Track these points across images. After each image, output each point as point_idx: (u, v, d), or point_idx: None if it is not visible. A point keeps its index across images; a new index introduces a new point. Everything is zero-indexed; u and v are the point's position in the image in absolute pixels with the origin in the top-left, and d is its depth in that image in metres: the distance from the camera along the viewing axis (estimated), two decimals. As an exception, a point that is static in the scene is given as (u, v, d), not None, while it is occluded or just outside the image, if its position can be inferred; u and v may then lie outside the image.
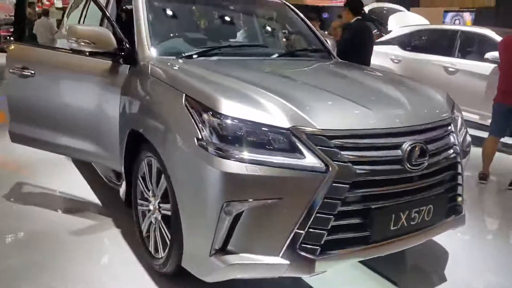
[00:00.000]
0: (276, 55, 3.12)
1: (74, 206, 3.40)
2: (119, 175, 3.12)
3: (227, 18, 3.41)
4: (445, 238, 2.86)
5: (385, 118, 2.10)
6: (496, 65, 5.21)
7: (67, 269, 2.52)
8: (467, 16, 13.49)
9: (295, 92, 2.15)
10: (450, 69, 5.73)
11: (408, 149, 2.03)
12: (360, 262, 2.52)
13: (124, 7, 3.70)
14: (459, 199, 2.37)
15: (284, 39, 3.43)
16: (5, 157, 4.48)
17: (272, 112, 1.95)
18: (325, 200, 1.88)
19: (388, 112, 2.16)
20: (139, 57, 2.72)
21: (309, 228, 1.89)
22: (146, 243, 2.59)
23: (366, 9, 7.75)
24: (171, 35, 3.03)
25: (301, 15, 3.57)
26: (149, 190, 2.53)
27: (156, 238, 2.44)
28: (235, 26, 3.41)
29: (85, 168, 4.02)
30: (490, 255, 2.96)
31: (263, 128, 1.92)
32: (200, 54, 2.82)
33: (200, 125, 1.98)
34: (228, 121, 1.93)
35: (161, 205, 2.39)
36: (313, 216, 1.88)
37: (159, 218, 2.41)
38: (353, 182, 1.91)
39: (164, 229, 2.35)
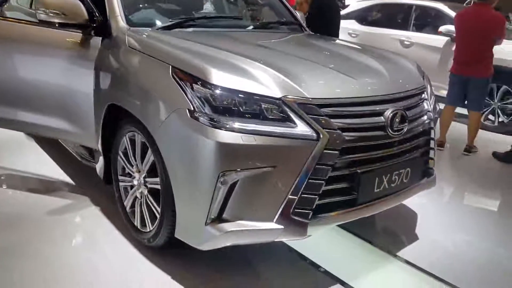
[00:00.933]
0: (251, 27, 3.12)
1: (46, 186, 3.28)
2: (92, 152, 3.04)
3: None
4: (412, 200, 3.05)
5: (368, 86, 2.19)
6: (449, 38, 5.48)
7: (49, 253, 2.44)
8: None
9: (282, 63, 2.17)
10: (406, 42, 5.95)
11: (390, 116, 2.13)
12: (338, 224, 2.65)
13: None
14: (432, 162, 2.53)
15: (255, 11, 3.41)
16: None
17: (263, 82, 1.98)
18: (317, 166, 1.95)
19: (371, 81, 2.25)
20: (112, 29, 2.62)
21: (301, 193, 1.95)
22: (131, 218, 2.57)
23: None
24: (142, 5, 2.94)
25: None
26: (132, 166, 2.49)
27: (143, 213, 2.43)
28: None
29: (51, 146, 3.86)
30: (455, 215, 3.19)
31: (255, 98, 1.94)
32: (174, 26, 2.76)
33: (191, 97, 1.97)
34: (221, 92, 1.93)
35: (147, 179, 2.37)
36: (305, 182, 1.94)
37: (145, 192, 2.40)
38: (342, 148, 1.99)
39: (152, 203, 2.34)
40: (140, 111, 2.24)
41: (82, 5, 2.62)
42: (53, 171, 3.47)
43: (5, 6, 4.56)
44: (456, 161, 4.51)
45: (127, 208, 2.60)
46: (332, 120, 1.98)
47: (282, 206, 1.96)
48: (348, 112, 2.06)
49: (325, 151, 1.95)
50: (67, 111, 2.88)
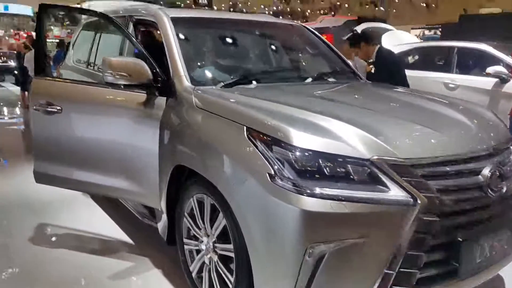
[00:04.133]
0: (310, 79, 2.92)
1: (105, 246, 3.09)
2: (153, 211, 2.84)
3: (251, 43, 3.20)
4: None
5: (460, 142, 1.91)
6: (498, 79, 5.16)
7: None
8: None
9: (363, 119, 1.93)
10: (451, 85, 5.65)
11: (489, 174, 1.83)
12: None
13: (145, 37, 3.47)
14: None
15: (309, 62, 3.22)
16: (24, 196, 4.10)
17: (348, 142, 1.73)
18: (415, 235, 1.66)
19: (461, 136, 1.97)
20: (177, 88, 2.47)
21: (400, 268, 1.66)
22: (197, 284, 2.32)
23: (358, 30, 7.69)
24: (203, 63, 2.80)
25: (321, 36, 3.39)
26: (199, 229, 2.27)
27: (213, 280, 2.17)
28: (260, 51, 3.20)
29: (106, 203, 3.70)
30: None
31: (341, 160, 1.70)
32: (237, 82, 2.59)
33: (270, 160, 1.75)
34: (304, 154, 1.70)
35: (217, 244, 2.13)
36: (404, 255, 1.65)
37: (215, 259, 2.15)
38: (441, 213, 1.70)
39: (224, 272, 2.08)
40: (212, 174, 2.03)
41: (146, 66, 2.50)
42: (111, 229, 3.29)
43: (61, 65, 4.60)
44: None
45: (193, 274, 2.35)
46: (428, 181, 1.70)
47: (378, 282, 1.66)
48: (445, 172, 1.77)
49: (423, 217, 1.66)
50: (130, 170, 2.71)
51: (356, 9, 24.46)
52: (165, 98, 2.53)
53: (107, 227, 3.31)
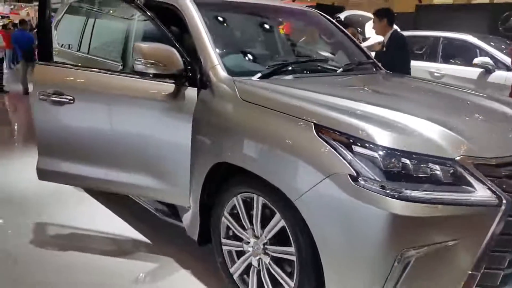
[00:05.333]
0: (340, 69, 2.80)
1: (121, 248, 2.85)
2: (175, 208, 2.65)
3: (279, 31, 3.02)
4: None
5: None
6: (483, 69, 5.32)
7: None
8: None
9: (439, 116, 1.85)
10: (436, 74, 5.77)
11: None
12: None
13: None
14: None
15: (334, 52, 3.10)
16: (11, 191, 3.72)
17: (433, 141, 1.65)
18: (500, 235, 1.61)
19: None
20: (211, 79, 2.27)
21: (484, 269, 1.61)
22: (240, 286, 2.18)
23: (342, 16, 7.65)
24: (233, 51, 2.59)
25: (341, 26, 3.28)
26: (244, 229, 2.12)
27: (264, 282, 2.04)
28: (288, 39, 3.03)
29: (109, 200, 3.42)
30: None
31: (429, 160, 1.61)
32: (274, 73, 2.43)
33: (351, 160, 1.63)
34: (391, 154, 1.60)
35: (269, 246, 2.00)
36: (488, 256, 1.61)
37: (267, 261, 2.02)
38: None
39: (279, 274, 1.96)
40: (272, 174, 1.87)
41: (178, 54, 2.27)
42: (120, 228, 3.04)
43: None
44: None
45: (235, 276, 2.21)
46: (510, 181, 1.66)
47: (462, 284, 1.61)
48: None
49: (509, 217, 1.62)
50: (153, 167, 2.49)
51: (316, -5, 24.49)
52: (195, 89, 2.32)
53: (116, 226, 3.07)
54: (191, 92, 2.33)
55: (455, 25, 8.24)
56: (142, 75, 2.27)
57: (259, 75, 2.35)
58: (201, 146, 2.25)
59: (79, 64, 2.72)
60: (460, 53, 5.78)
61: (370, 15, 8.58)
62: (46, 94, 2.55)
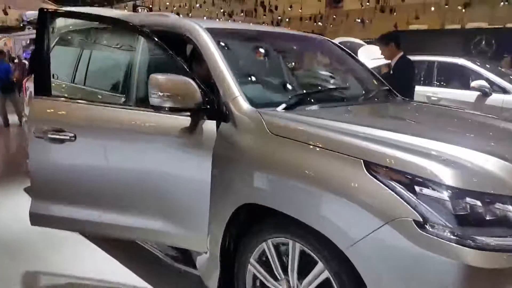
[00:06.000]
0: (362, 97, 2.63)
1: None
2: (187, 253, 2.39)
3: (294, 59, 2.86)
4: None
5: None
6: (480, 93, 5.30)
7: None
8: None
9: (495, 149, 1.69)
10: (433, 98, 5.73)
11: None
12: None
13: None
14: None
15: (349, 80, 2.94)
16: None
17: (501, 178, 1.47)
18: None
19: None
20: (232, 111, 2.06)
21: None
22: None
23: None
24: (251, 81, 2.40)
25: (352, 54, 3.14)
26: (276, 279, 1.88)
27: None
28: (304, 67, 2.86)
29: (107, 244, 3.09)
30: None
31: (502, 201, 1.42)
32: (297, 103, 2.24)
33: (415, 203, 1.42)
34: (462, 196, 1.40)
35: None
36: None
37: (306, 316, 1.77)
38: None
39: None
40: (313, 218, 1.65)
41: (195, 85, 2.06)
42: (125, 275, 2.72)
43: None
44: None
45: (265, 332, 1.94)
46: None
47: None
48: None
49: None
50: (164, 208, 2.23)
51: (296, 24, 24.89)
52: (214, 122, 2.11)
53: (117, 272, 2.75)
54: (209, 126, 2.11)
55: (430, 49, 8.37)
56: (158, 109, 2.03)
57: (283, 106, 2.15)
58: (223, 185, 2.01)
59: (79, 97, 2.46)
60: (455, 77, 5.77)
61: (360, 41, 8.67)
62: (44, 131, 2.28)
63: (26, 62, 16.09)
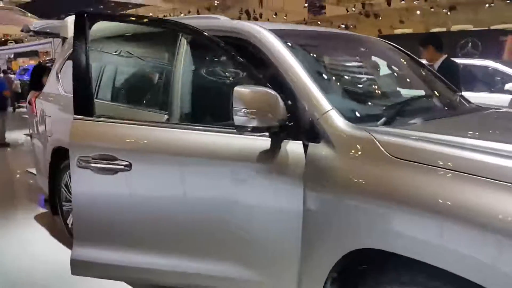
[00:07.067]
0: (449, 106, 2.30)
1: None
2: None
3: (370, 65, 2.49)
4: None
5: None
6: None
7: None
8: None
9: None
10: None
11: None
12: None
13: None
14: None
15: (431, 88, 2.57)
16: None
17: None
18: None
19: None
20: (326, 129, 1.69)
21: None
22: None
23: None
24: (334, 91, 2.03)
25: (419, 60, 2.81)
26: None
27: None
28: (384, 74, 2.49)
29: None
30: None
31: None
32: (395, 117, 1.88)
33: None
34: None
35: None
36: None
37: None
38: None
39: None
40: (472, 269, 1.28)
41: (280, 98, 1.69)
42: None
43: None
44: None
45: None
46: None
47: None
48: None
49: None
50: (240, 250, 1.85)
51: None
52: (300, 143, 1.74)
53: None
54: (294, 148, 1.74)
55: (416, 52, 8.16)
56: (242, 130, 1.65)
57: (383, 120, 1.80)
58: (322, 224, 1.63)
59: (128, 117, 2.03)
60: (484, 79, 5.54)
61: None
62: (90, 160, 1.87)
63: (12, 76, 15.46)
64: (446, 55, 4.00)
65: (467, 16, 19.23)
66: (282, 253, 1.75)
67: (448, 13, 19.82)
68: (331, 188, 1.62)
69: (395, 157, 1.51)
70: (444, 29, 18.62)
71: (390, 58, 2.55)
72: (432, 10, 20.21)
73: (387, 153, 1.53)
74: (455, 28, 17.09)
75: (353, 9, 21.64)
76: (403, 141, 1.56)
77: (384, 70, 2.41)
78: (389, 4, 19.66)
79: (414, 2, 20.46)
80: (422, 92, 2.41)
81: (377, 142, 1.57)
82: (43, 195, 4.05)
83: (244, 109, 1.60)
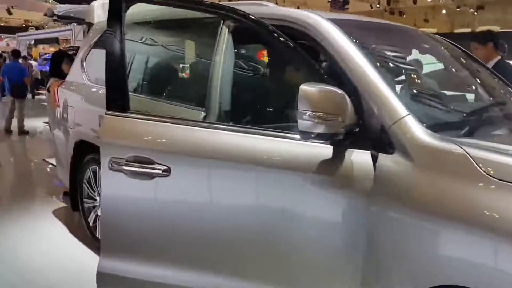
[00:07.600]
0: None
1: None
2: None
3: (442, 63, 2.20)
4: None
5: None
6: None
7: None
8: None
9: None
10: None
11: None
12: None
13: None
14: None
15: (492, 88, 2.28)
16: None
17: None
18: None
19: None
20: (401, 139, 1.43)
21: None
22: None
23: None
24: (406, 94, 1.76)
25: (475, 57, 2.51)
26: None
27: None
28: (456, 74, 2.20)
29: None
30: None
31: None
32: (477, 127, 1.61)
33: None
34: None
35: None
36: None
37: None
38: None
39: None
40: None
41: (348, 100, 1.43)
42: None
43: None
44: None
45: None
46: None
47: None
48: None
49: None
50: (292, 268, 1.61)
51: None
52: (368, 153, 1.48)
53: None
54: (360, 158, 1.48)
55: None
56: (307, 136, 1.40)
57: (466, 130, 1.52)
58: (393, 249, 1.38)
59: (168, 114, 1.78)
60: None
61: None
62: (123, 163, 1.64)
63: (32, 63, 15.44)
64: (500, 57, 3.66)
65: (495, 16, 18.60)
66: (333, 279, 1.50)
67: (475, 13, 19.19)
68: (407, 208, 1.36)
69: (496, 179, 1.24)
70: (469, 30, 18.02)
71: (459, 59, 2.26)
72: (459, 9, 19.57)
73: (484, 173, 1.26)
74: (480, 29, 16.54)
75: (378, 5, 21.09)
76: (503, 158, 1.28)
77: (458, 72, 2.11)
78: (414, 2, 19.08)
79: (441, 1, 19.88)
80: (494, 98, 2.11)
81: (470, 158, 1.30)
82: (61, 185, 3.84)
83: (310, 112, 1.34)
